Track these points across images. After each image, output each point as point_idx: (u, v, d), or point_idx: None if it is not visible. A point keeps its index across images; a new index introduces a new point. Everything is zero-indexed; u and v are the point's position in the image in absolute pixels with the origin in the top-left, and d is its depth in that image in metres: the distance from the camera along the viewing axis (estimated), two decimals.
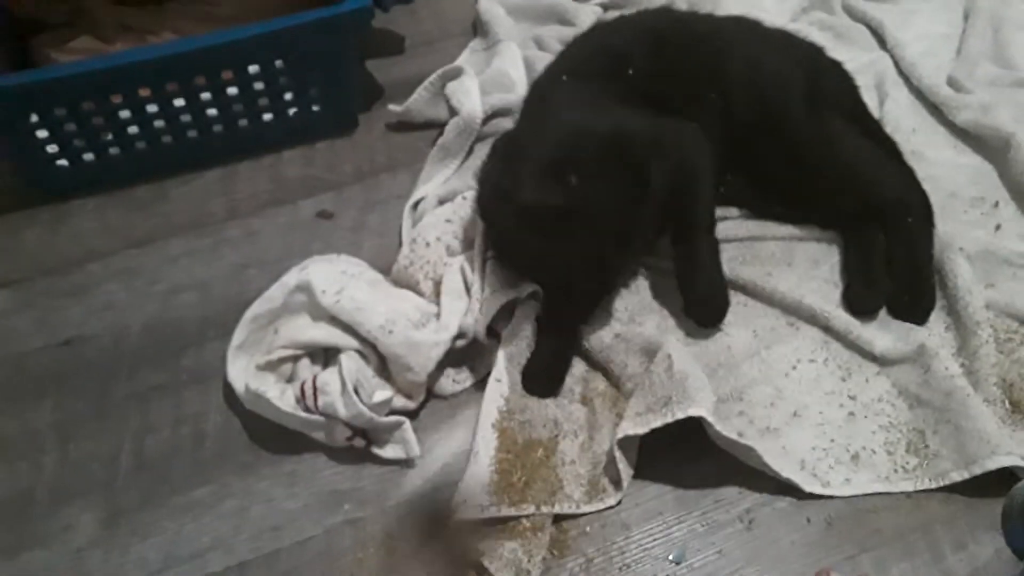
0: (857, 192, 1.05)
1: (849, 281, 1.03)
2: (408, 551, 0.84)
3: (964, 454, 0.85)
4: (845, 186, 1.05)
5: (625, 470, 0.86)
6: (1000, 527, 0.80)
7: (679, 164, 0.97)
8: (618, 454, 0.86)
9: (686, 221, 0.99)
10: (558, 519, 0.85)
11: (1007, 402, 0.91)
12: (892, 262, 1.02)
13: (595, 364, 0.97)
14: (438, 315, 0.95)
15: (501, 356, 0.94)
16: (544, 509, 0.84)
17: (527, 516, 0.83)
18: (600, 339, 0.96)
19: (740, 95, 1.04)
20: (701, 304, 0.97)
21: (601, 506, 0.86)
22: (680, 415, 0.83)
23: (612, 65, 1.04)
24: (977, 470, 0.84)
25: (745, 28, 1.14)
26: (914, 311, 0.99)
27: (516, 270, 0.98)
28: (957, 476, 0.85)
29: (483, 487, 0.84)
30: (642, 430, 0.84)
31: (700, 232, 0.99)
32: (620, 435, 0.85)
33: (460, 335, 0.94)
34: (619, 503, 0.86)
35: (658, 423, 0.84)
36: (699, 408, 0.83)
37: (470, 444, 0.90)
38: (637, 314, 1.00)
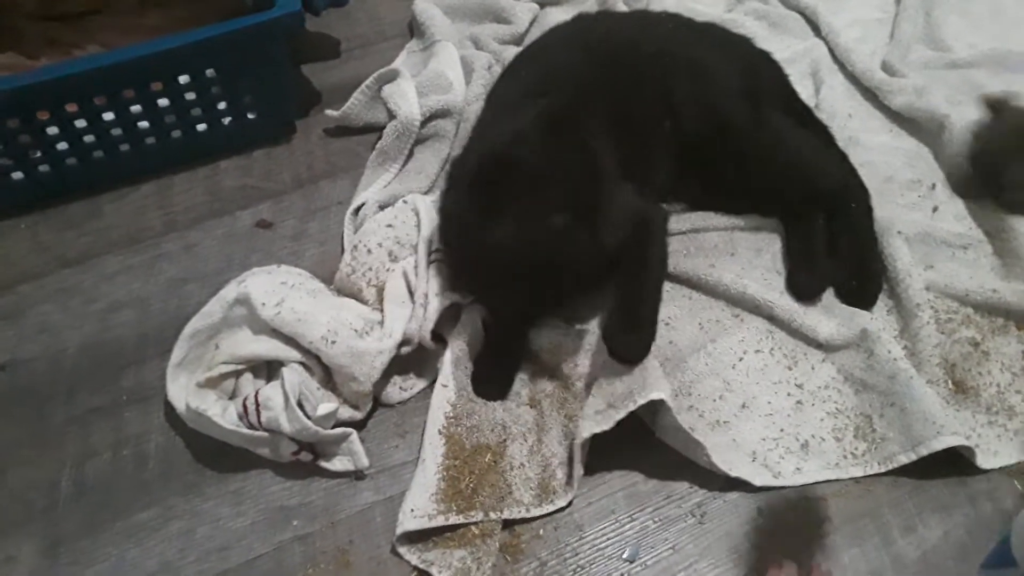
0: (801, 183, 1.05)
1: (792, 268, 1.04)
2: (360, 565, 0.83)
3: (910, 436, 0.86)
4: (790, 178, 1.05)
5: (578, 471, 0.86)
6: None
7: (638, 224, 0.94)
8: (578, 455, 0.85)
9: (635, 268, 0.95)
10: (510, 523, 0.85)
11: (950, 382, 0.92)
12: (837, 249, 1.03)
13: (543, 365, 0.96)
14: (382, 322, 0.93)
15: (447, 361, 0.93)
16: (493, 515, 0.83)
17: (476, 523, 0.83)
18: (549, 339, 0.96)
19: (688, 107, 1.03)
20: (623, 338, 0.89)
21: (551, 508, 0.86)
22: (642, 401, 0.83)
23: (568, 88, 1.02)
24: (924, 451, 0.85)
25: (682, 32, 1.13)
26: (862, 296, 1.00)
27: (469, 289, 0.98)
28: (905, 459, 0.86)
29: (431, 495, 0.83)
30: (607, 426, 0.84)
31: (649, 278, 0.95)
32: (586, 434, 0.84)
33: (405, 342, 0.93)
34: (570, 504, 0.86)
35: (621, 415, 0.83)
36: (660, 392, 0.82)
37: (415, 451, 0.89)
38: (587, 314, 0.99)
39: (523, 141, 0.85)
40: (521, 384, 0.95)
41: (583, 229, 0.82)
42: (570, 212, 0.82)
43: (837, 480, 0.87)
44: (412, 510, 0.82)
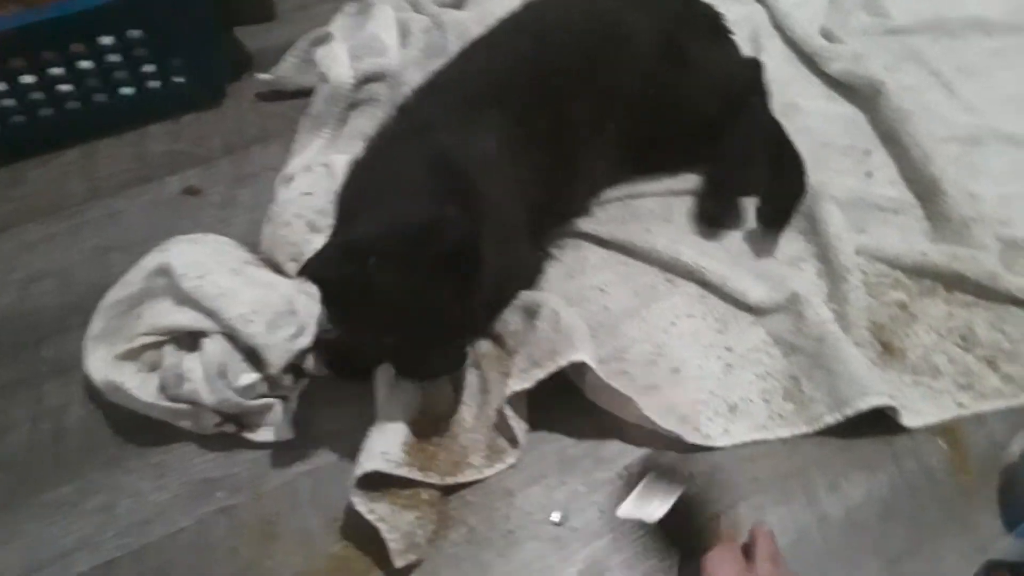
0: (719, 99, 1.06)
1: (701, 195, 1.06)
2: (286, 536, 0.82)
3: (837, 397, 0.87)
4: (711, 102, 1.06)
5: (519, 426, 0.86)
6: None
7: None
8: (509, 412, 0.85)
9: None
10: (440, 489, 0.84)
11: (877, 344, 0.93)
12: (753, 146, 1.06)
13: None
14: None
15: None
16: (448, 480, 0.83)
17: (427, 487, 0.82)
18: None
19: (612, 74, 1.01)
20: None
21: (503, 467, 0.85)
22: (563, 363, 0.83)
23: (494, 90, 0.96)
24: (849, 412, 0.85)
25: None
26: (792, 185, 1.02)
27: None
28: (831, 419, 0.86)
29: (402, 443, 0.81)
30: (528, 384, 0.84)
31: None
32: (508, 392, 0.84)
33: (328, 329, 0.90)
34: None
35: (543, 375, 0.83)
36: (582, 354, 0.82)
37: (345, 421, 0.87)
38: None
39: (379, 257, 0.74)
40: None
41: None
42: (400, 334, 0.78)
43: (765, 441, 0.87)
44: (383, 452, 0.79)
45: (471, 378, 0.91)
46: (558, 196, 1.00)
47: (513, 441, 0.86)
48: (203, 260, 0.89)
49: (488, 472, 0.85)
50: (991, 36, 1.33)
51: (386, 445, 0.81)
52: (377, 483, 0.80)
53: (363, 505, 0.79)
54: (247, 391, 0.84)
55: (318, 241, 0.94)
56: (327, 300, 0.81)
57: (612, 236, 1.02)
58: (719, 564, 0.73)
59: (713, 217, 1.04)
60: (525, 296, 0.93)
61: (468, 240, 0.74)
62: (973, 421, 0.89)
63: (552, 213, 1.01)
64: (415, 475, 0.81)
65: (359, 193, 0.86)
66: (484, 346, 0.94)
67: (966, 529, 0.82)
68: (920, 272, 0.99)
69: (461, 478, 0.84)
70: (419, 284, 0.74)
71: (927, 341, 0.93)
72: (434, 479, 0.82)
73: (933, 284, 0.98)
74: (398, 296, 0.74)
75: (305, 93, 1.21)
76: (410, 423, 0.84)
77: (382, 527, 0.78)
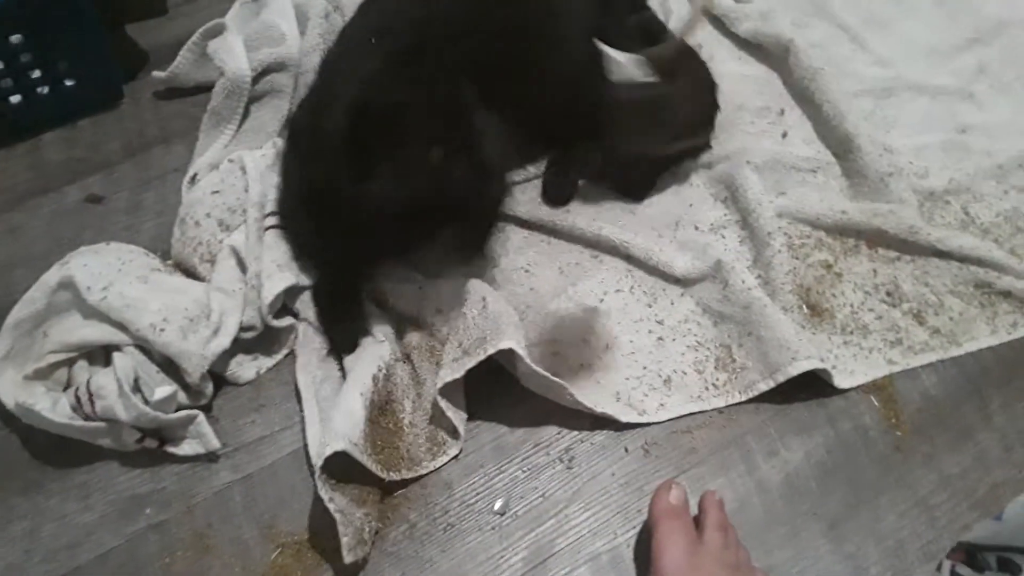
0: None
1: (545, 175, 1.05)
2: (220, 548, 0.79)
3: (768, 364, 0.87)
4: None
5: (457, 416, 0.84)
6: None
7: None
8: (443, 403, 0.83)
9: None
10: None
11: (804, 307, 0.93)
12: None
13: (404, 317, 0.93)
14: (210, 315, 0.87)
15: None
16: (392, 475, 0.81)
17: (373, 483, 0.80)
18: (404, 291, 0.92)
19: (536, 58, 0.97)
20: None
21: (445, 459, 0.84)
22: (492, 350, 0.81)
23: (416, 27, 0.94)
24: (781, 378, 0.86)
25: None
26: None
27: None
28: (764, 386, 0.87)
29: (361, 431, 0.78)
30: (458, 374, 0.82)
31: None
32: (440, 384, 0.83)
33: (247, 328, 0.87)
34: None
35: (472, 363, 0.81)
36: (510, 341, 0.81)
37: (271, 426, 0.86)
38: (439, 265, 0.96)
39: (378, 85, 0.79)
40: (390, 341, 0.91)
41: (462, 158, 0.78)
42: (444, 145, 0.77)
43: (701, 412, 0.87)
44: (347, 435, 0.77)
45: (401, 372, 0.89)
46: None
47: (454, 432, 0.85)
48: (107, 271, 0.85)
49: (432, 466, 0.84)
50: None
51: (350, 433, 0.78)
52: (332, 474, 0.78)
53: (326, 492, 0.76)
54: (164, 404, 0.80)
55: (230, 240, 0.91)
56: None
57: (531, 216, 1.00)
58: (669, 536, 0.73)
59: (555, 197, 1.03)
60: (450, 286, 0.90)
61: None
62: (905, 377, 0.91)
63: None
64: (373, 467, 0.78)
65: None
66: (415, 338, 0.91)
67: (903, 486, 0.84)
68: (842, 231, 0.99)
69: (405, 474, 0.82)
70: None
71: (854, 300, 0.94)
72: (380, 474, 0.80)
73: (856, 242, 0.99)
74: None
75: (205, 89, 1.15)
76: (367, 415, 0.81)
77: (339, 518, 0.75)
